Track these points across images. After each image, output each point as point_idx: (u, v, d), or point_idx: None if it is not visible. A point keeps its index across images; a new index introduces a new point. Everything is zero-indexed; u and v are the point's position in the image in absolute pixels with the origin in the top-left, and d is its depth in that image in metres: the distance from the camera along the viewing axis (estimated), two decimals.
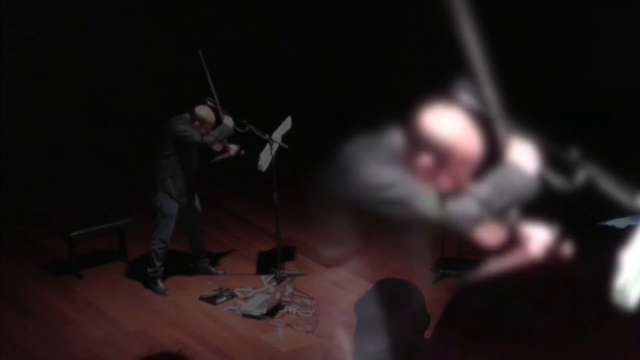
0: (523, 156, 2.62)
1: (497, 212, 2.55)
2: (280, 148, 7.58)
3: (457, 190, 2.58)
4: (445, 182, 2.57)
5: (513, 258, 2.54)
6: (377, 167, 2.56)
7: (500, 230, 2.58)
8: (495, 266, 2.51)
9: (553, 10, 8.93)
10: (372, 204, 2.55)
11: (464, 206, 2.56)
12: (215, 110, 7.55)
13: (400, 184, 2.54)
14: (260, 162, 7.50)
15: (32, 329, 7.16)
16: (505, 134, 2.62)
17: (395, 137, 2.61)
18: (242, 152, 7.69)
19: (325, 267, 8.08)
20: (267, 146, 7.57)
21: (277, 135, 7.64)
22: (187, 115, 7.43)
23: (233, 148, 7.68)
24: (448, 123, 2.55)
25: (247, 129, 7.58)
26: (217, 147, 7.70)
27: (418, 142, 2.55)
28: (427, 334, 3.62)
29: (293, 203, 7.67)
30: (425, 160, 2.55)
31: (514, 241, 2.57)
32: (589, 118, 8.44)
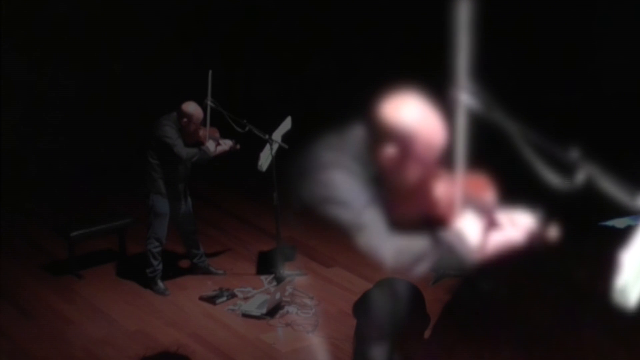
0: (468, 229, 2.60)
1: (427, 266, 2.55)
2: (280, 147, 7.59)
3: (408, 220, 2.57)
4: (413, 172, 2.56)
5: (496, 245, 2.54)
6: (338, 177, 2.55)
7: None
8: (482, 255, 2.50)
9: (554, 9, 8.93)
10: (320, 213, 2.54)
11: (407, 244, 2.56)
12: (215, 111, 7.54)
13: (353, 207, 2.53)
14: (260, 162, 7.50)
15: (32, 329, 7.16)
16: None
17: (358, 133, 2.60)
18: (237, 146, 7.65)
19: (325, 267, 8.09)
20: (267, 146, 7.57)
21: (277, 135, 7.64)
22: (174, 114, 7.41)
23: (227, 143, 7.63)
24: (408, 110, 2.55)
25: (247, 129, 7.58)
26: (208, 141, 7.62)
27: (380, 133, 2.54)
28: (427, 334, 3.62)
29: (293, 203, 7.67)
30: (389, 151, 2.54)
31: (494, 227, 2.56)
32: (589, 118, 8.43)
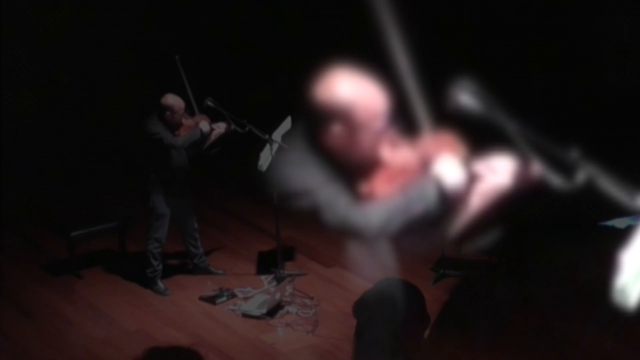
0: (446, 170, 2.60)
1: (405, 222, 2.55)
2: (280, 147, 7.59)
3: (374, 193, 2.57)
4: (365, 141, 2.56)
5: (482, 194, 2.53)
6: (295, 171, 2.56)
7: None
8: (471, 210, 2.49)
9: (555, 9, 8.93)
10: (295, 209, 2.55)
11: (371, 215, 2.56)
12: (215, 111, 7.54)
13: (317, 190, 2.54)
14: (260, 162, 7.50)
15: (32, 329, 7.17)
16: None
17: (299, 125, 2.64)
18: (232, 127, 7.61)
19: (325, 267, 8.08)
20: (267, 146, 7.57)
21: (277, 135, 7.64)
22: (155, 114, 7.40)
23: (221, 126, 7.60)
24: (340, 85, 2.55)
25: (247, 129, 7.57)
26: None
27: (322, 116, 2.54)
28: (427, 334, 3.62)
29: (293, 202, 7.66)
30: (336, 130, 2.54)
31: (476, 179, 2.56)
32: (589, 117, 8.44)
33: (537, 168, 2.49)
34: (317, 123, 2.56)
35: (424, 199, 2.55)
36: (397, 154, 2.61)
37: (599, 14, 8.77)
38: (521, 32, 8.89)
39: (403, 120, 2.63)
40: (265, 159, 7.53)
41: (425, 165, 2.61)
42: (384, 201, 2.55)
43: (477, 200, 2.53)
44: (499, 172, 2.54)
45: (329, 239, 8.25)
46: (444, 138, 2.63)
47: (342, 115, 2.53)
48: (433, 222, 2.58)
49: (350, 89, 2.54)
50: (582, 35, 8.81)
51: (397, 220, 2.55)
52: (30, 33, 9.92)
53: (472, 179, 2.58)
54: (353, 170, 2.57)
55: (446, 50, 8.16)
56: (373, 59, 2.59)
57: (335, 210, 2.52)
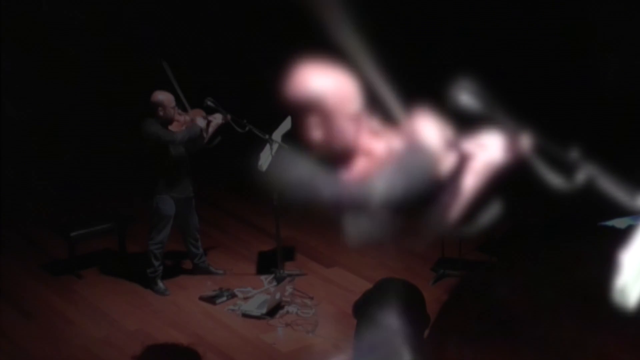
0: (426, 133, 2.60)
1: (400, 195, 2.56)
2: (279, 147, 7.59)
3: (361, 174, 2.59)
4: (344, 125, 2.58)
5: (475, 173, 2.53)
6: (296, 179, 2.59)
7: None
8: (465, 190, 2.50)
9: (555, 9, 8.93)
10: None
11: (373, 186, 2.57)
12: (215, 110, 7.54)
13: (309, 180, 2.56)
14: (260, 162, 7.50)
15: (32, 329, 7.16)
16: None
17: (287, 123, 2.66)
18: (229, 116, 7.61)
19: (325, 267, 8.09)
20: (267, 146, 7.57)
21: (277, 135, 7.64)
22: (148, 116, 7.40)
23: (217, 117, 7.60)
24: (308, 78, 2.56)
25: (247, 129, 7.57)
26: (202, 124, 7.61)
27: (300, 110, 2.56)
28: (427, 334, 3.62)
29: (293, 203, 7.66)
30: (313, 120, 2.56)
31: (466, 160, 2.56)
32: (589, 117, 8.44)
33: (526, 140, 2.50)
34: (295, 119, 2.60)
35: (419, 161, 2.56)
36: (379, 143, 2.62)
37: (600, 12, 8.76)
38: (521, 30, 8.89)
39: (381, 110, 2.64)
40: (265, 159, 7.53)
41: (409, 150, 2.61)
42: (382, 173, 2.57)
43: (472, 179, 2.54)
44: (488, 148, 2.54)
45: (329, 239, 8.25)
46: (424, 121, 2.63)
47: (315, 104, 2.55)
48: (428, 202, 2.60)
49: (319, 79, 2.55)
50: (583, 34, 8.81)
51: (399, 185, 2.56)
52: (29, 32, 9.93)
53: (463, 158, 2.59)
54: (337, 162, 2.58)
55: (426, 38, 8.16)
56: (340, 53, 2.60)
57: (331, 190, 2.54)
